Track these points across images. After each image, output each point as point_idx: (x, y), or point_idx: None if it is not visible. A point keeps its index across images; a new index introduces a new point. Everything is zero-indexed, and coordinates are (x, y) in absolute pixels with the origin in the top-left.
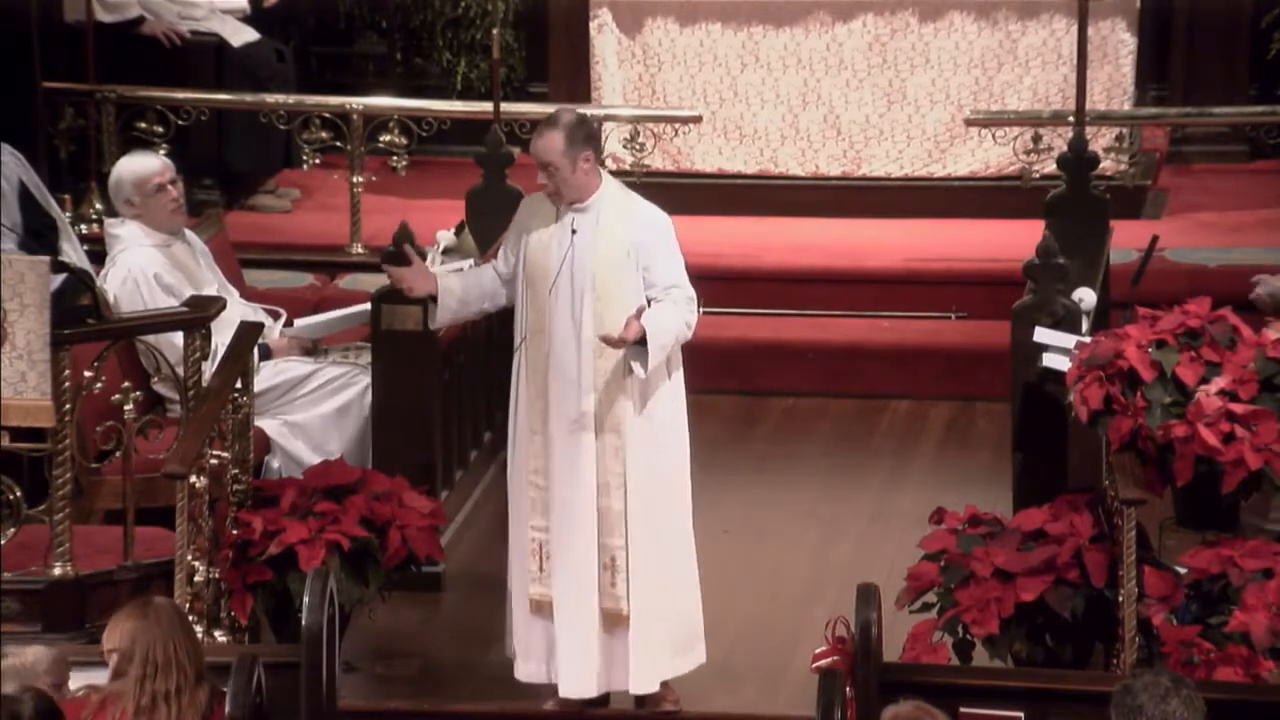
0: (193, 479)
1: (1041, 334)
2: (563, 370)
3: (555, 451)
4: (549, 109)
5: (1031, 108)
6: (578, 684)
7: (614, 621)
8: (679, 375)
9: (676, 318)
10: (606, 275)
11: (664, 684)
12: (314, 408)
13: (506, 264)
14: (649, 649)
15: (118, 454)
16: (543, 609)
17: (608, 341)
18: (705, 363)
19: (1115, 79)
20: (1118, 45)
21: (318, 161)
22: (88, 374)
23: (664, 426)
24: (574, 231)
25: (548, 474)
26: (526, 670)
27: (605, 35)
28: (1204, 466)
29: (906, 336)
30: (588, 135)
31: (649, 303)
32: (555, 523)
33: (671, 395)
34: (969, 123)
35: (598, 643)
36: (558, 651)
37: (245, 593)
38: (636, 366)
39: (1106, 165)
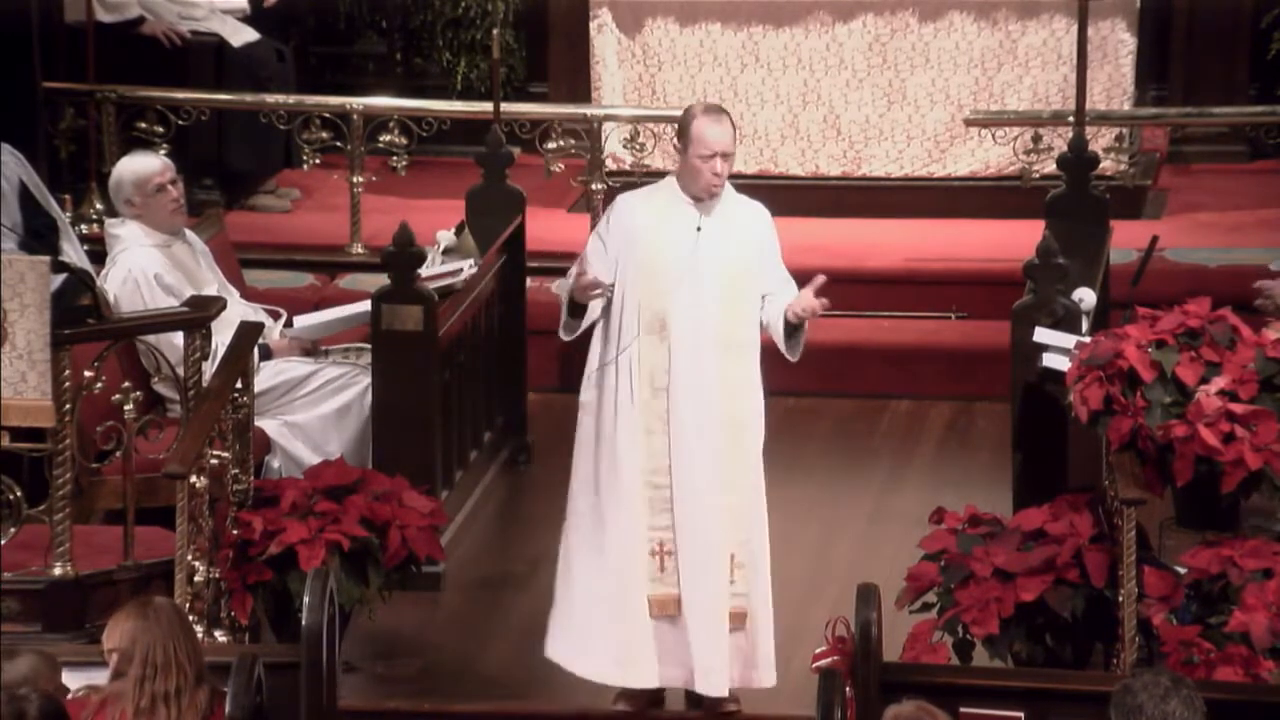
0: (193, 479)
1: (1041, 334)
2: (688, 369)
3: (679, 450)
4: (549, 109)
5: (1031, 108)
6: (713, 681)
7: (736, 620)
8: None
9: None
10: (738, 272)
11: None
12: (314, 408)
13: (608, 270)
14: (768, 644)
15: (118, 454)
16: (665, 608)
17: (798, 315)
18: None
19: (1115, 79)
20: (1118, 45)
21: (318, 161)
22: (88, 374)
23: (761, 425)
24: (699, 229)
25: (670, 472)
26: (633, 676)
27: (605, 35)
28: (1204, 466)
29: (906, 336)
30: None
31: (762, 299)
32: (680, 521)
33: (761, 397)
34: (969, 123)
35: (728, 640)
36: (692, 651)
37: (245, 593)
38: (789, 352)
39: (1106, 165)
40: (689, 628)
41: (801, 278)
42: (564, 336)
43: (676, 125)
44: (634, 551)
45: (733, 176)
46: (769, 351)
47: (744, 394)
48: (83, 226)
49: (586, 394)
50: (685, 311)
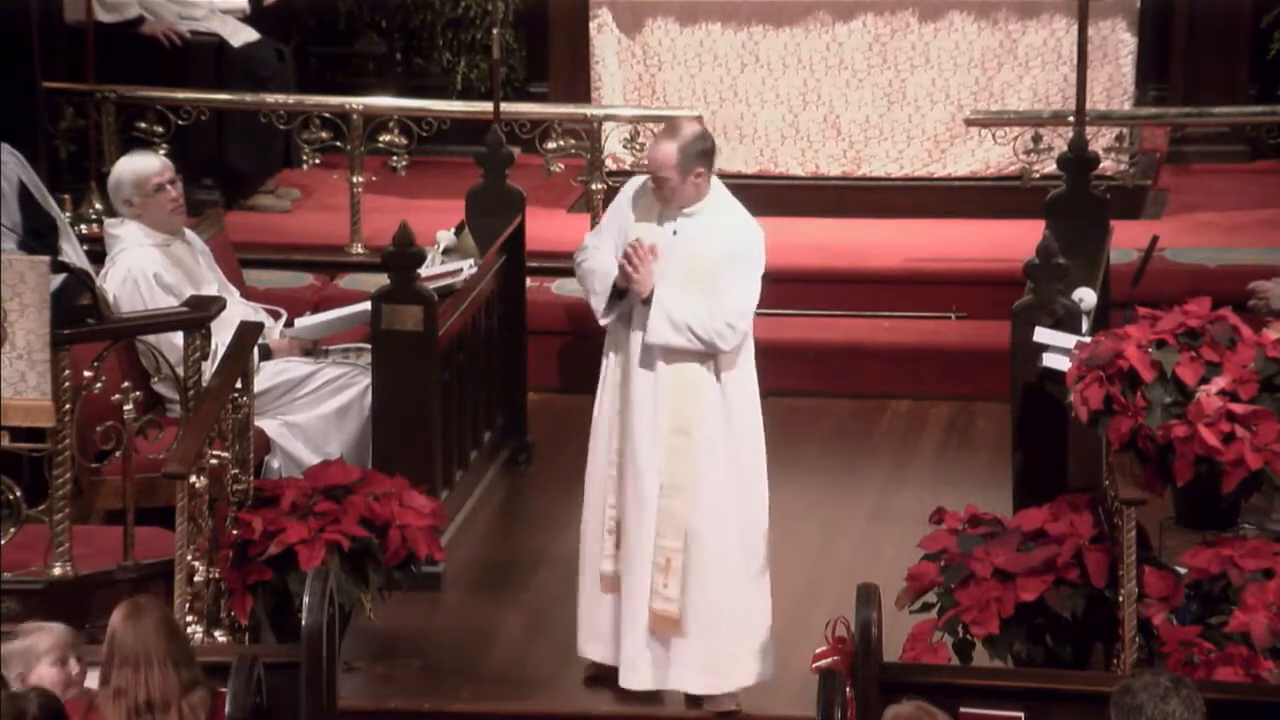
0: (193, 479)
1: (1041, 334)
2: (643, 368)
3: (627, 442)
4: (549, 109)
5: (1031, 108)
6: (633, 676)
7: (663, 623)
8: (754, 387)
9: (701, 314)
10: (701, 278)
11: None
12: (314, 408)
13: (616, 240)
14: (703, 653)
15: (117, 454)
16: (611, 585)
17: (628, 266)
18: None
19: (1115, 79)
20: (1118, 45)
21: (318, 161)
22: (88, 374)
23: (740, 436)
24: (675, 233)
25: (619, 455)
26: (593, 649)
27: (605, 35)
28: (1204, 466)
29: (906, 336)
30: (702, 152)
31: None
32: (625, 508)
33: (748, 405)
34: (969, 123)
35: (650, 639)
36: (619, 638)
37: (245, 593)
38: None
39: (1106, 165)
40: (621, 614)
41: (801, 277)
42: (602, 321)
43: None
44: (597, 525)
45: (733, 176)
46: (771, 352)
47: (695, 401)
48: (83, 226)
49: (602, 369)
50: (645, 311)
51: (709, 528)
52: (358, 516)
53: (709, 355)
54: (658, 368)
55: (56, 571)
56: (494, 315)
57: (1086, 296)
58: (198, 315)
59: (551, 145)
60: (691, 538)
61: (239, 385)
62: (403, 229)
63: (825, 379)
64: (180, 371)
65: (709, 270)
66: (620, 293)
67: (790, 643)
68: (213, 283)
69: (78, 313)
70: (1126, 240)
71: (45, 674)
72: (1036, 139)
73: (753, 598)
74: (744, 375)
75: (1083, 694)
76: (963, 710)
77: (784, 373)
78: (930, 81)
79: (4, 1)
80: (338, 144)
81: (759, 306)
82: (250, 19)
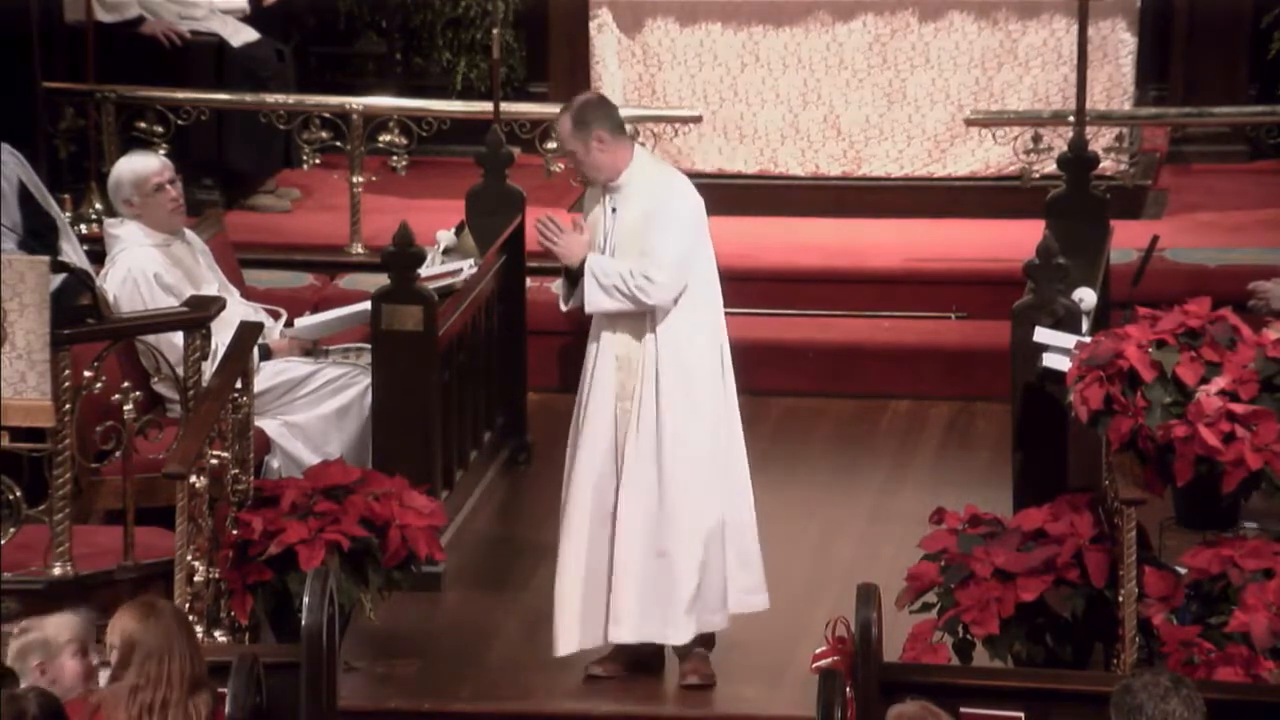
0: (193, 479)
1: (1041, 334)
2: (592, 340)
3: (585, 418)
4: (549, 109)
5: (1031, 108)
6: (586, 637)
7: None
8: (703, 349)
9: (624, 271)
10: (632, 250)
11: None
12: (314, 408)
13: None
14: (654, 605)
15: (118, 454)
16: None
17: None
18: None
19: (1115, 79)
20: (1118, 45)
21: (318, 161)
22: (88, 374)
23: (689, 399)
24: (613, 210)
25: (577, 438)
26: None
27: (605, 35)
28: (1204, 466)
29: (906, 336)
30: (598, 115)
31: None
32: (573, 486)
33: (696, 368)
34: (969, 123)
35: (597, 597)
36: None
37: (245, 593)
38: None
39: (1106, 165)
40: (564, 587)
41: (801, 277)
42: (563, 307)
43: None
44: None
45: (733, 176)
46: (771, 352)
47: (635, 366)
48: (83, 226)
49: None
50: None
51: (656, 484)
52: (358, 516)
53: (648, 318)
54: (602, 338)
55: (56, 571)
56: (494, 315)
57: (1086, 296)
58: (198, 315)
59: (551, 145)
60: (639, 496)
61: (239, 385)
62: (403, 229)
63: (825, 379)
64: (180, 371)
65: (640, 236)
66: (574, 277)
67: (790, 643)
68: (213, 283)
69: (78, 313)
70: (1126, 240)
71: (67, 665)
72: (1036, 139)
73: (689, 558)
74: (689, 338)
75: (1083, 694)
76: (963, 710)
77: (784, 373)
78: (930, 81)
79: (4, 1)
80: (338, 144)
81: (758, 307)
82: (250, 19)
